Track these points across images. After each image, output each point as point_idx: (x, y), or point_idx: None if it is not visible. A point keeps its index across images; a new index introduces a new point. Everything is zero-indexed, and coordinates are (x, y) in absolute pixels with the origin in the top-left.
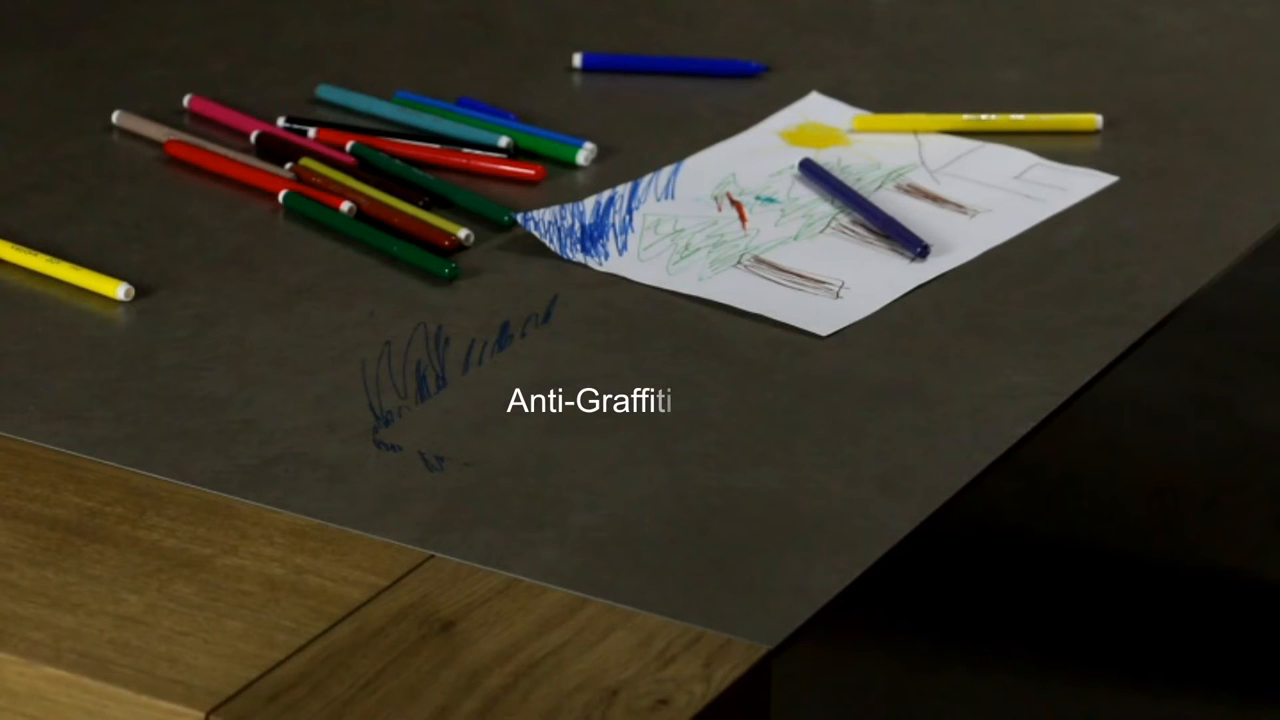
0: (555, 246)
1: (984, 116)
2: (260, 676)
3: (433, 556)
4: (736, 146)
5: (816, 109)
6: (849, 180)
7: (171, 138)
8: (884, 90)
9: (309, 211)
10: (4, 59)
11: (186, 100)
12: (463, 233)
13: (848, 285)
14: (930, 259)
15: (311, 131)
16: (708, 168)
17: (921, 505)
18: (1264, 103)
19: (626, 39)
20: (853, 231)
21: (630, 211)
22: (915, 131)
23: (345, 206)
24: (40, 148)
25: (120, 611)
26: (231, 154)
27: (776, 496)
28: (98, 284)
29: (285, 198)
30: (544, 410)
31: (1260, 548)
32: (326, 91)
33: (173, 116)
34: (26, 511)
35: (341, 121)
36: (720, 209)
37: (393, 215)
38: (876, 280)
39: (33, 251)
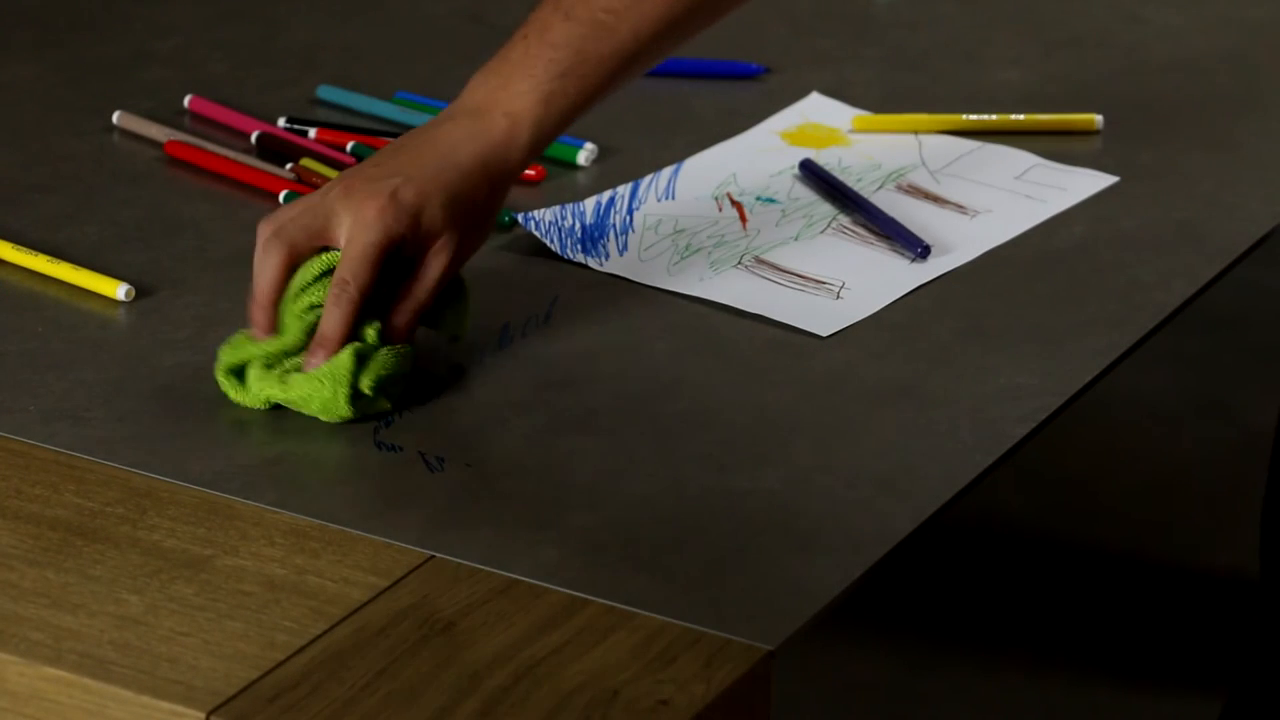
0: (555, 247)
1: (984, 116)
2: (261, 677)
3: (433, 557)
4: (736, 147)
5: (816, 109)
6: (849, 180)
7: (171, 138)
8: (884, 90)
9: None
10: (4, 59)
11: (187, 100)
12: None
13: (848, 286)
14: (930, 259)
15: (312, 132)
16: (708, 168)
17: (921, 505)
18: (1264, 103)
19: None
20: (853, 232)
21: (630, 212)
22: (915, 131)
23: None
24: (40, 148)
25: (121, 612)
26: (231, 154)
27: (776, 496)
28: (98, 284)
29: (285, 198)
30: (544, 410)
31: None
32: (326, 91)
33: (173, 117)
34: (27, 512)
35: (341, 122)
36: (720, 209)
37: None
38: (877, 281)
39: (33, 251)
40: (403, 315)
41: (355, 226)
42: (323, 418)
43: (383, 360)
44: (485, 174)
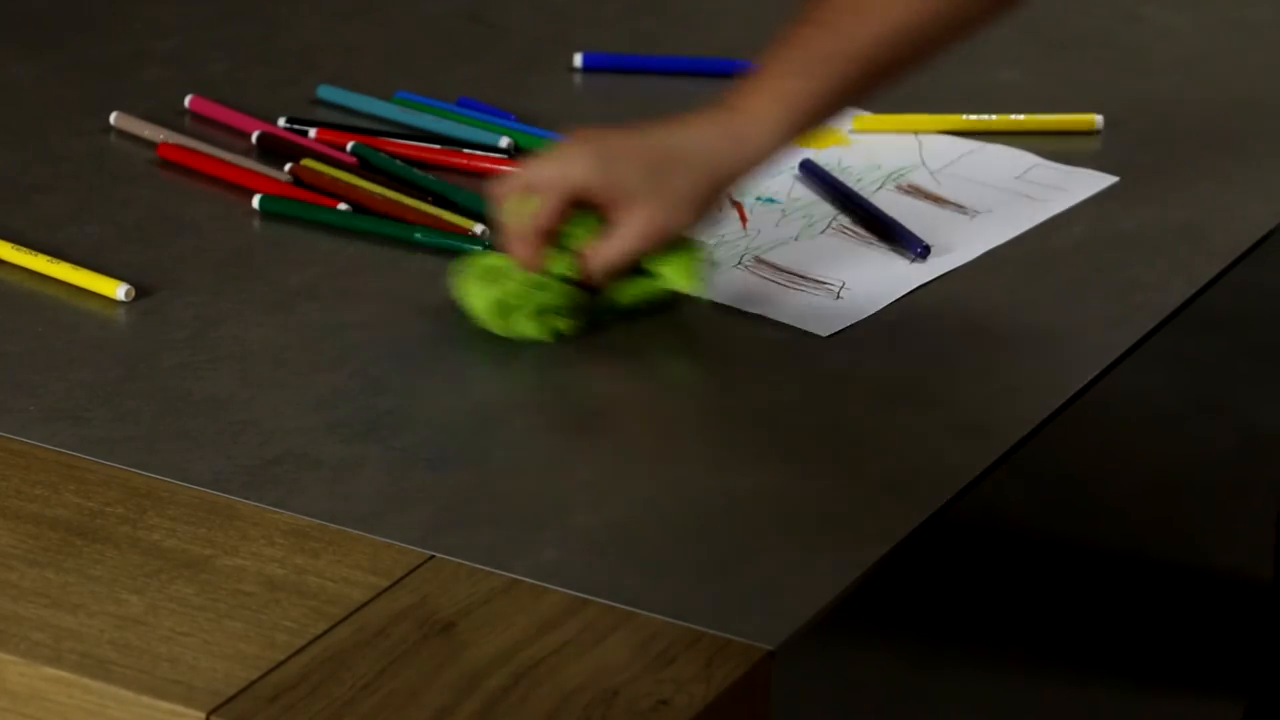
0: None
1: (984, 116)
2: (261, 677)
3: (433, 557)
4: None
5: None
6: (849, 180)
7: (165, 140)
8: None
9: (291, 212)
10: (4, 59)
11: (187, 101)
12: (478, 228)
13: (848, 286)
14: (930, 259)
15: (312, 132)
16: None
17: (921, 505)
18: (1264, 103)
19: (626, 39)
20: (853, 232)
21: None
22: (915, 131)
23: (343, 207)
24: (40, 148)
25: (121, 612)
26: (224, 155)
27: (776, 496)
28: (98, 284)
29: (260, 201)
30: (544, 410)
31: (1260, 548)
32: (326, 91)
33: (174, 117)
34: (27, 512)
35: (341, 122)
36: (720, 209)
37: (406, 212)
38: (877, 281)
39: (33, 252)
40: (592, 262)
41: (560, 162)
42: (494, 327)
43: (562, 291)
44: (709, 157)
